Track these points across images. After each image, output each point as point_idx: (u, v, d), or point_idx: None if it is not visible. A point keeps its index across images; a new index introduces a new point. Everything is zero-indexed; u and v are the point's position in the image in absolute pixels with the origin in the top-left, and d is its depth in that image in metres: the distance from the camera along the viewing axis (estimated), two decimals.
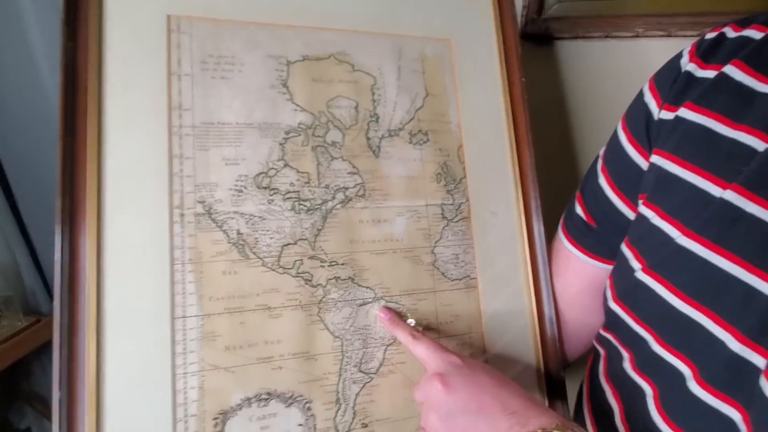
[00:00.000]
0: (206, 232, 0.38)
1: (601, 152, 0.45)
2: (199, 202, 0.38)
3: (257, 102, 0.41)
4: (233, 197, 0.39)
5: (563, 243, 0.46)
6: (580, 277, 0.46)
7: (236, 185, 0.39)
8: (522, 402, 0.34)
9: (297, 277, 0.40)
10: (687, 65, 0.37)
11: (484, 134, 0.48)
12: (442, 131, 0.47)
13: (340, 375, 0.39)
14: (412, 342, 0.38)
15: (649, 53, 0.56)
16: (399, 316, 0.42)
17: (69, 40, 0.37)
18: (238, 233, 0.39)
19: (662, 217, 0.35)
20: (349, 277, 0.41)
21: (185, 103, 0.39)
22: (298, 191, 0.41)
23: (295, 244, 0.40)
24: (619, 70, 0.59)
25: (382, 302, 0.42)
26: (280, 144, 0.41)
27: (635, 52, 0.57)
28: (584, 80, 0.61)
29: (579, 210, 0.45)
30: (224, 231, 0.38)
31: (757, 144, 0.31)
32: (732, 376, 0.30)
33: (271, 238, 0.40)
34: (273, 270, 0.39)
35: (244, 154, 0.40)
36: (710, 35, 0.37)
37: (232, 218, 0.39)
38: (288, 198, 0.40)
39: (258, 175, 0.40)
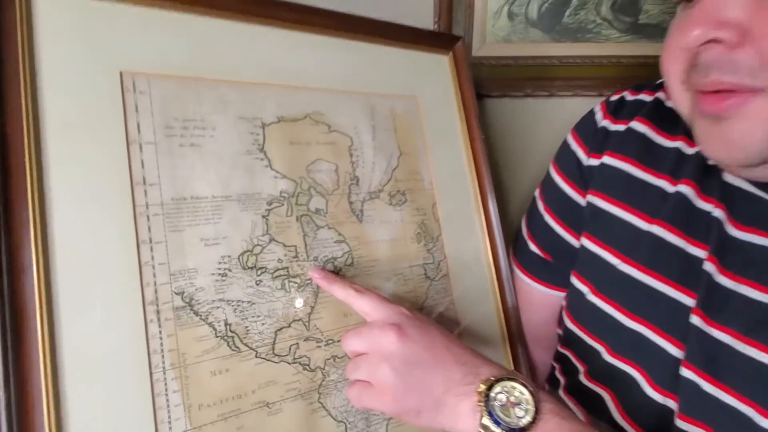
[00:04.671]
0: (189, 329, 0.33)
1: (538, 195, 0.51)
2: (177, 294, 0.33)
3: (233, 170, 0.37)
4: (217, 283, 0.34)
5: (524, 280, 0.51)
6: (544, 308, 0.51)
7: (219, 268, 0.35)
8: (471, 354, 0.34)
9: (294, 363, 0.36)
10: (602, 121, 0.46)
11: (453, 190, 0.50)
12: (417, 190, 0.47)
13: None
14: (355, 296, 0.36)
15: (535, 109, 0.67)
16: (333, 273, 0.39)
17: None
18: (226, 324, 0.34)
19: (601, 246, 0.42)
20: (346, 354, 0.39)
21: (150, 177, 0.33)
22: (287, 267, 0.38)
23: (289, 326, 0.37)
24: (514, 122, 0.68)
25: None
26: (263, 216, 0.37)
27: (526, 108, 0.67)
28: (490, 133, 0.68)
29: (533, 248, 0.50)
30: (210, 324, 0.33)
31: (666, 185, 0.40)
32: (672, 376, 0.36)
33: (263, 323, 0.35)
34: (268, 360, 0.35)
35: (224, 231, 0.35)
36: (614, 98, 0.47)
37: (218, 307, 0.34)
38: (277, 276, 0.37)
39: (243, 254, 0.36)
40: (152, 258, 0.32)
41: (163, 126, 0.35)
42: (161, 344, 0.31)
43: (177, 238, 0.33)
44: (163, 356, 0.31)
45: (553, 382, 0.50)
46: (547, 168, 0.51)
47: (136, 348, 0.31)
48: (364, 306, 0.36)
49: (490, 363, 0.34)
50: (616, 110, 0.45)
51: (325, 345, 0.38)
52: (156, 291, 0.32)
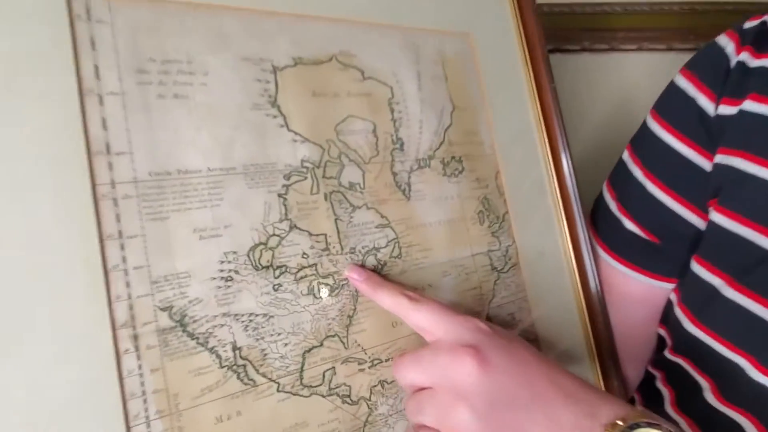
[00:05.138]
0: (182, 359, 0.23)
1: (629, 158, 0.39)
2: (163, 310, 0.23)
3: (236, 132, 0.26)
4: (219, 291, 0.24)
5: (616, 268, 0.40)
6: (643, 304, 0.40)
7: (222, 270, 0.25)
8: (581, 386, 0.25)
9: (330, 395, 0.27)
10: (736, 55, 0.34)
11: (519, 154, 0.39)
12: (476, 156, 0.36)
13: None
14: (410, 307, 0.26)
15: (593, 65, 0.59)
16: (375, 273, 0.29)
17: None
18: (235, 348, 0.24)
19: (745, 224, 0.31)
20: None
21: (117, 144, 0.23)
22: (315, 264, 0.27)
23: (321, 345, 0.27)
24: (568, 81, 0.59)
25: None
26: (280, 195, 0.27)
27: (582, 64, 0.59)
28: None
29: (630, 226, 0.39)
30: (211, 350, 0.24)
31: None
32: None
33: (286, 344, 0.26)
34: (295, 394, 0.25)
35: (227, 218, 0.25)
36: (749, 24, 0.35)
37: (222, 325, 0.24)
38: (302, 277, 0.27)
39: (254, 248, 0.26)
40: (123, 260, 0.22)
41: (134, 70, 0.24)
42: (142, 384, 0.22)
43: (159, 230, 0.23)
44: (145, 401, 0.22)
45: (649, 393, 0.40)
46: (643, 121, 0.39)
47: (104, 393, 0.21)
48: (423, 320, 0.26)
49: (610, 398, 0.24)
50: (758, 40, 0.33)
51: (369, 367, 0.28)
52: (131, 307, 0.22)
